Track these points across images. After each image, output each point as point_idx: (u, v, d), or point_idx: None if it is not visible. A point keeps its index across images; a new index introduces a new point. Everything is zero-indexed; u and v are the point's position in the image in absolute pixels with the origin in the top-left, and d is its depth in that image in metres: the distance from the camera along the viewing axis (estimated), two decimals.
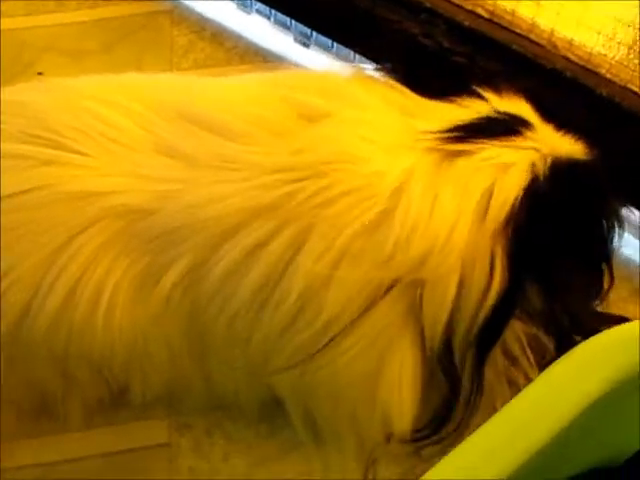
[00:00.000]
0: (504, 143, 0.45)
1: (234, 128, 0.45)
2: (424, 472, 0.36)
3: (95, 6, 0.81)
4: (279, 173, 0.43)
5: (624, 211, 0.51)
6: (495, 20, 0.63)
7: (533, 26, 0.61)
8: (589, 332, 0.43)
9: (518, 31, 0.62)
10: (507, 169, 0.44)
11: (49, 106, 0.47)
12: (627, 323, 0.34)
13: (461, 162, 0.43)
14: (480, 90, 0.49)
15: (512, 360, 0.46)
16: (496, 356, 0.45)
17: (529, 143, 0.46)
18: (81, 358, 0.47)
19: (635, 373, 0.32)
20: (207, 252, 0.43)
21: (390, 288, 0.43)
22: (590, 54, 0.60)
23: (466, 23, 0.63)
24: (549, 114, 0.53)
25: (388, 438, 0.49)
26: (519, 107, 0.49)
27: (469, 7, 0.64)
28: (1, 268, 0.42)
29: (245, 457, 0.52)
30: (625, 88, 0.58)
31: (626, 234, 0.57)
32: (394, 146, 0.43)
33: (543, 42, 0.61)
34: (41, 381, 0.49)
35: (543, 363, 0.45)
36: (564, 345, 0.44)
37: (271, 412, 0.51)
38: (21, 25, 0.79)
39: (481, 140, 0.44)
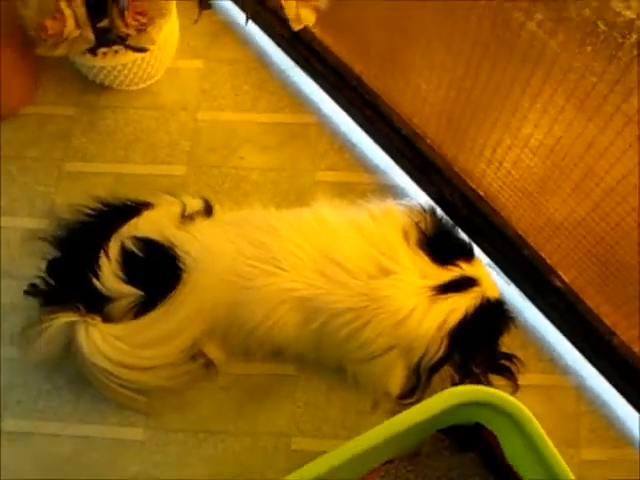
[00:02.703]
0: (460, 294, 1.16)
1: (349, 268, 1.15)
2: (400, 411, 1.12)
3: (275, 111, 1.49)
4: (362, 295, 1.14)
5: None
6: (484, 197, 1.29)
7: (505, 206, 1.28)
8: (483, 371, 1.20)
9: (493, 206, 1.29)
10: (456, 309, 1.15)
11: (272, 242, 1.17)
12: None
13: (438, 303, 1.14)
14: (459, 262, 1.18)
15: (442, 379, 1.19)
16: (436, 376, 1.19)
17: (472, 294, 1.17)
18: (268, 341, 1.22)
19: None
20: (329, 319, 1.16)
21: (396, 346, 1.15)
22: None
23: (470, 195, 1.30)
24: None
25: (387, 394, 1.24)
26: (476, 270, 1.19)
27: (473, 186, 1.30)
28: (254, 312, 1.16)
29: (326, 385, 1.28)
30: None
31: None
32: (410, 294, 1.13)
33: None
34: (251, 346, 1.24)
35: (453, 384, 1.18)
36: (462, 380, 1.18)
37: (340, 371, 1.26)
38: (231, 118, 1.48)
39: (450, 293, 1.15)
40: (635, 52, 0.81)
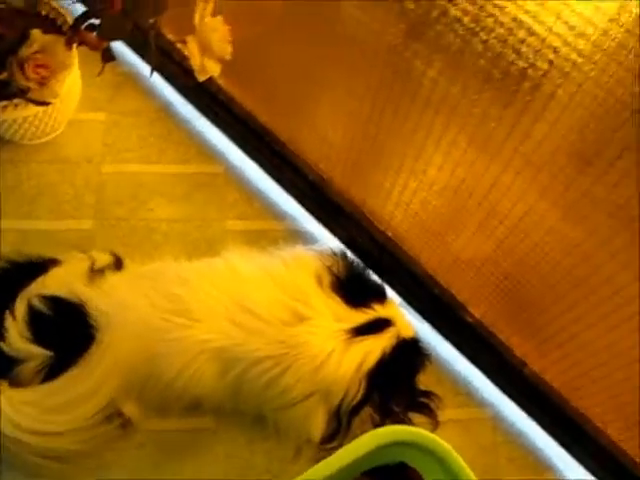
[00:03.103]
0: (376, 335, 1.17)
1: (263, 316, 1.15)
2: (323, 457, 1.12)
3: (181, 162, 1.49)
4: (280, 343, 1.14)
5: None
6: (393, 238, 1.32)
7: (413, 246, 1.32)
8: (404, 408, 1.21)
9: (402, 246, 1.33)
10: (372, 350, 1.16)
11: (184, 293, 1.16)
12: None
13: (354, 345, 1.15)
14: (373, 304, 1.20)
15: (362, 421, 1.20)
16: (356, 418, 1.19)
17: (387, 334, 1.18)
18: (185, 394, 1.19)
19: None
20: (248, 367, 1.15)
21: (316, 391, 1.16)
22: None
23: (379, 237, 1.33)
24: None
25: (309, 441, 1.23)
26: (390, 310, 1.22)
27: (382, 228, 1.33)
28: (170, 365, 1.13)
29: (246, 436, 1.27)
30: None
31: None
32: (327, 338, 1.14)
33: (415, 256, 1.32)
34: (168, 400, 1.21)
35: (374, 425, 1.19)
36: (383, 420, 1.19)
37: (260, 420, 1.25)
38: (137, 170, 1.46)
39: (365, 335, 1.17)
40: (528, 98, 0.87)
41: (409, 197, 1.19)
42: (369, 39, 1.05)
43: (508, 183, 1.01)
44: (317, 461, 1.22)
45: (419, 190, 1.16)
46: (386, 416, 1.22)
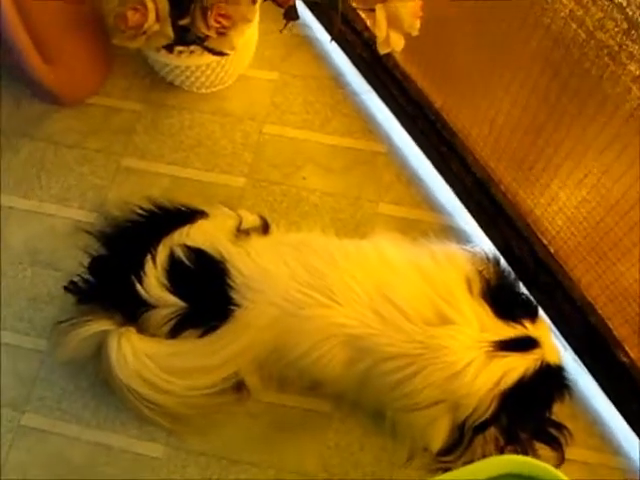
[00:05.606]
0: (520, 354, 1.09)
1: (406, 311, 1.09)
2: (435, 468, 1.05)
3: (344, 134, 1.44)
4: (418, 343, 1.07)
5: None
6: (555, 255, 1.22)
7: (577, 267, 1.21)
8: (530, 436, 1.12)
9: (564, 265, 1.22)
10: (513, 369, 1.07)
11: (329, 271, 1.11)
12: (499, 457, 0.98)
13: (496, 360, 1.07)
14: (523, 320, 1.11)
15: (485, 440, 1.12)
16: (480, 437, 1.11)
17: (532, 356, 1.09)
18: (308, 374, 1.15)
19: None
20: (378, 361, 1.09)
21: (445, 400, 1.08)
22: None
23: (539, 250, 1.23)
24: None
25: (425, 449, 1.17)
26: (540, 331, 1.12)
27: (545, 242, 1.23)
28: (299, 343, 1.10)
29: (361, 429, 1.22)
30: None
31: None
32: (468, 347, 1.06)
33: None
34: (289, 376, 1.18)
35: (497, 447, 1.11)
36: (507, 445, 1.11)
37: (378, 417, 1.19)
38: (298, 135, 1.43)
39: (510, 351, 1.08)
40: None
41: (585, 214, 1.09)
42: (575, 35, 0.96)
43: None
44: (428, 472, 1.17)
45: (598, 207, 1.06)
46: (511, 441, 1.13)
